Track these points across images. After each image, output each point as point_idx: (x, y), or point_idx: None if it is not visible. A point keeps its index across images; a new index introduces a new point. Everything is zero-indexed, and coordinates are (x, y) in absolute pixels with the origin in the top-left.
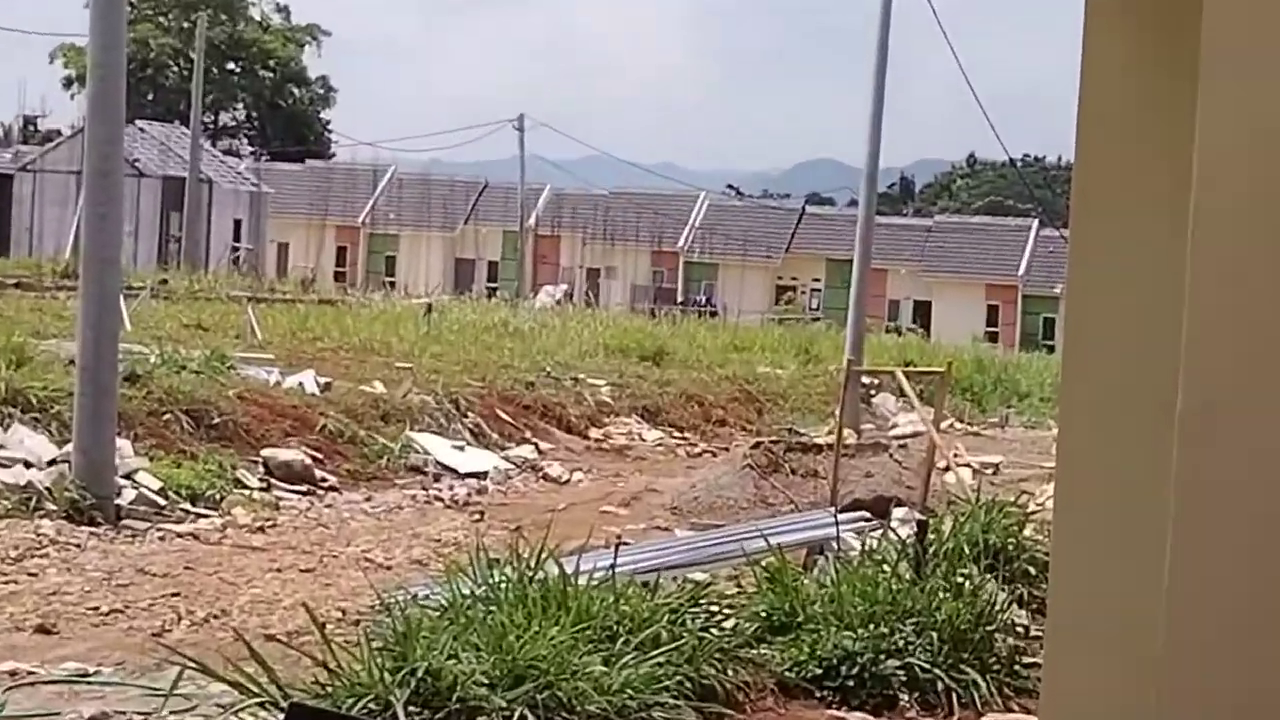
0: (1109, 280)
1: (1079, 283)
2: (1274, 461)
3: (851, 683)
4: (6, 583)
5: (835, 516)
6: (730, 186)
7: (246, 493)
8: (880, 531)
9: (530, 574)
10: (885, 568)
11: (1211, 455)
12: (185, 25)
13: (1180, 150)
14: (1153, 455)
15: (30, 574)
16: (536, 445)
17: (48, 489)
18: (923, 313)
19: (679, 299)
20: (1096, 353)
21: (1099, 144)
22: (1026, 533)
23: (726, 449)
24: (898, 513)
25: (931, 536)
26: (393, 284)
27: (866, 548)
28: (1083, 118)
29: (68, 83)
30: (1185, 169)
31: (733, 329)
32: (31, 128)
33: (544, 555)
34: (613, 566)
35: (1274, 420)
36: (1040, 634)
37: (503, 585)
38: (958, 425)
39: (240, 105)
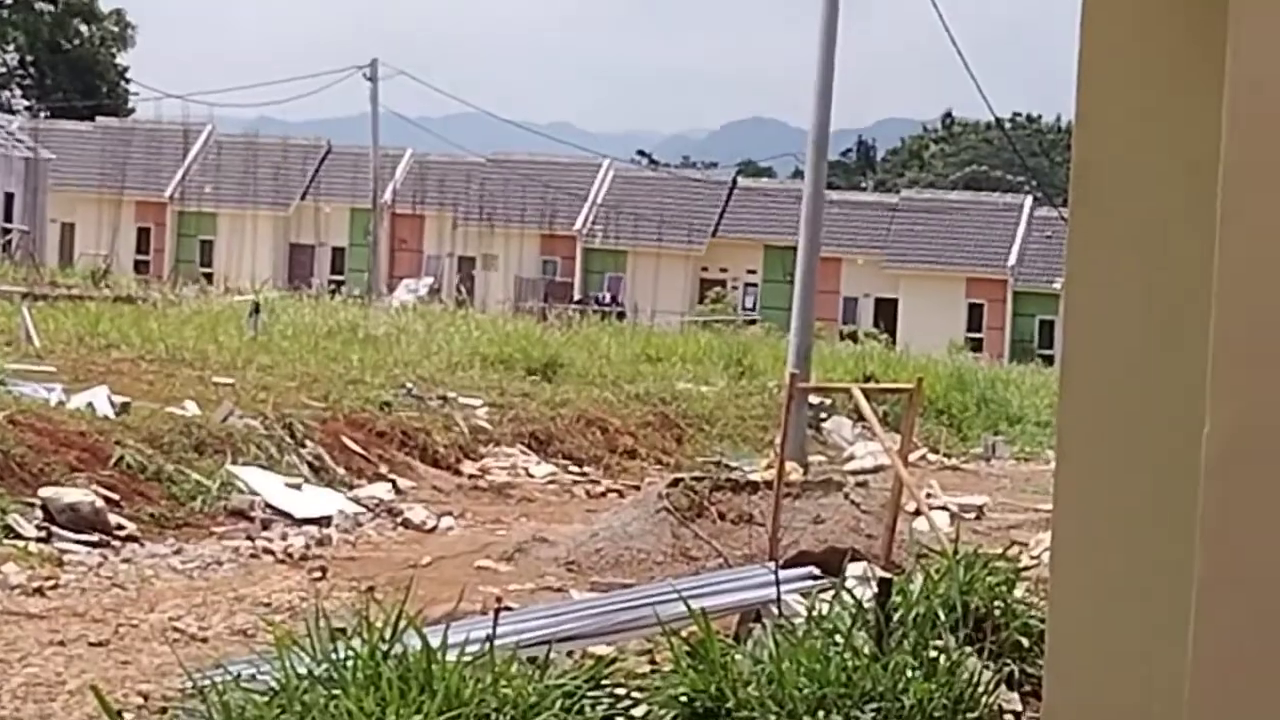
0: (1117, 276)
1: (1080, 279)
2: None
3: None
4: None
5: (775, 574)
6: (641, 153)
7: (20, 544)
8: (832, 593)
9: (385, 648)
10: (838, 639)
11: (1247, 491)
12: None
13: (1205, 110)
14: (1173, 496)
15: None
16: (394, 483)
17: None
18: (887, 314)
19: (576, 296)
20: (1103, 366)
21: (1104, 102)
22: (1017, 594)
23: (637, 487)
24: (854, 568)
25: (897, 599)
26: (210, 276)
27: (815, 613)
28: (1084, 70)
29: None
30: (1213, 132)
31: (645, 334)
32: None
33: (403, 624)
34: (491, 638)
35: None
36: None
37: (349, 662)
38: (931, 457)
39: (11, 47)
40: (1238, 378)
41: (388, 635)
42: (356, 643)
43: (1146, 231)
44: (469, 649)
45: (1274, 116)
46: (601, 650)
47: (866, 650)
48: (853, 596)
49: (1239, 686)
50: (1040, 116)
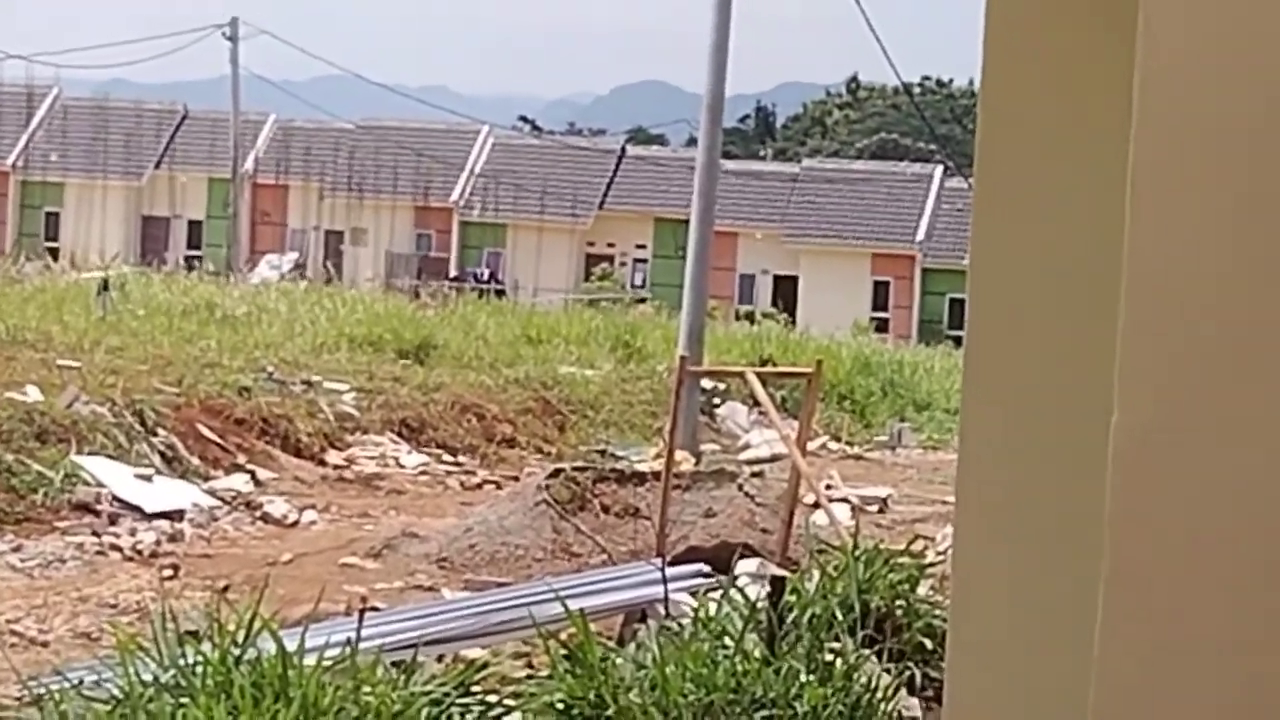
0: (1024, 254)
1: (985, 257)
2: (1241, 496)
3: None
4: None
5: (662, 571)
6: (523, 119)
7: None
8: (722, 592)
9: (238, 652)
10: (727, 641)
11: (1153, 483)
12: None
13: (1118, 78)
14: (1082, 487)
15: None
16: (253, 474)
17: None
18: (786, 292)
19: (452, 272)
20: (1009, 350)
21: (1011, 69)
22: (921, 592)
23: (516, 478)
24: (747, 565)
25: (791, 598)
26: (55, 251)
27: (703, 614)
28: (990, 35)
29: None
30: (1128, 101)
31: (526, 314)
32: None
33: (258, 626)
34: (354, 641)
35: (1239, 441)
36: None
37: (199, 668)
38: (832, 445)
39: None
40: (1146, 365)
41: (241, 639)
42: (207, 647)
43: (1056, 206)
44: (329, 653)
45: (1185, 87)
46: (474, 654)
47: (758, 653)
48: (744, 596)
49: (1145, 686)
50: (952, 81)
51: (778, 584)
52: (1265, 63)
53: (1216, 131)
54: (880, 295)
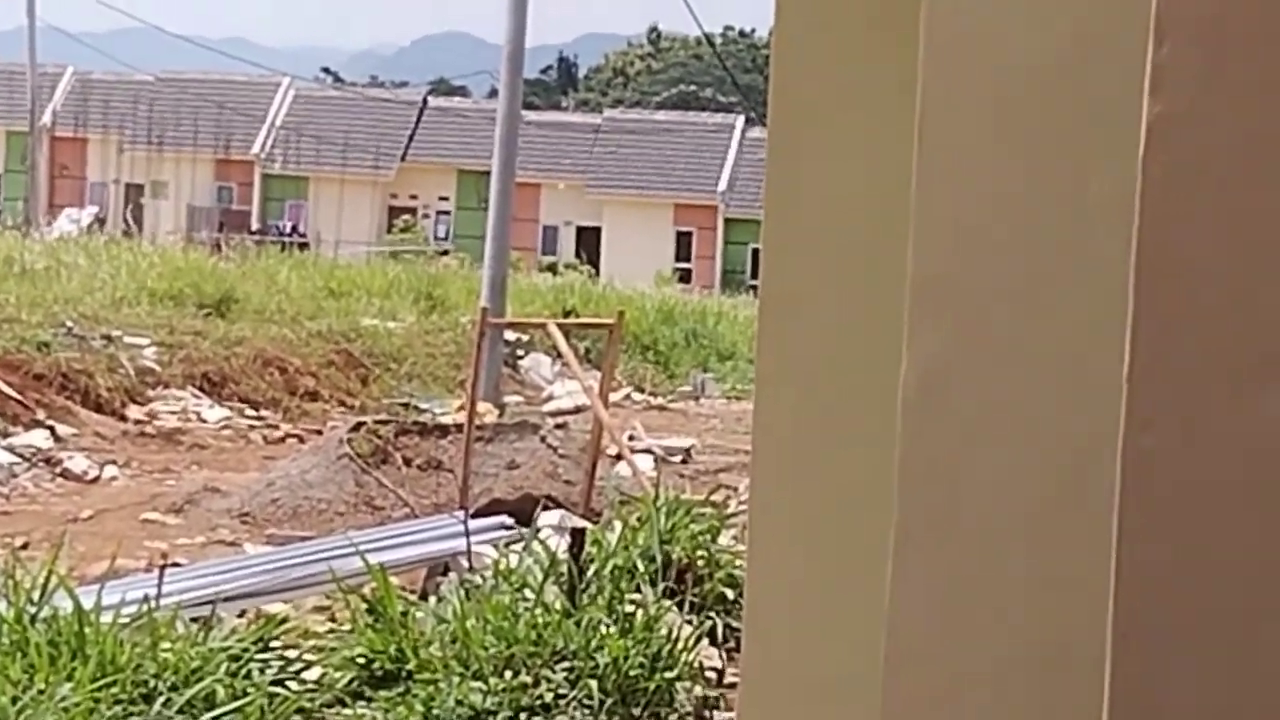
0: (817, 200)
1: (778, 205)
2: (1030, 433)
3: None
4: None
5: (465, 524)
6: (326, 70)
7: None
8: (524, 544)
9: (34, 611)
10: (528, 593)
11: (940, 431)
12: None
13: (913, 23)
14: (876, 437)
15: None
16: (52, 430)
17: None
18: (589, 243)
19: (254, 226)
20: (801, 298)
21: (804, 12)
22: (722, 542)
23: (319, 432)
24: (549, 517)
25: (592, 550)
26: None
27: (504, 566)
28: None
29: None
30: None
31: (329, 267)
32: None
33: (54, 584)
34: (153, 598)
35: (1026, 380)
36: (737, 679)
37: None
38: (636, 396)
39: None
40: (932, 310)
41: (37, 596)
42: (2, 605)
43: (849, 153)
44: (127, 610)
45: (970, 26)
46: (275, 609)
47: (559, 605)
48: (545, 548)
49: (937, 633)
50: (754, 31)
51: (578, 535)
52: (1046, 4)
53: (1001, 70)
54: (683, 246)
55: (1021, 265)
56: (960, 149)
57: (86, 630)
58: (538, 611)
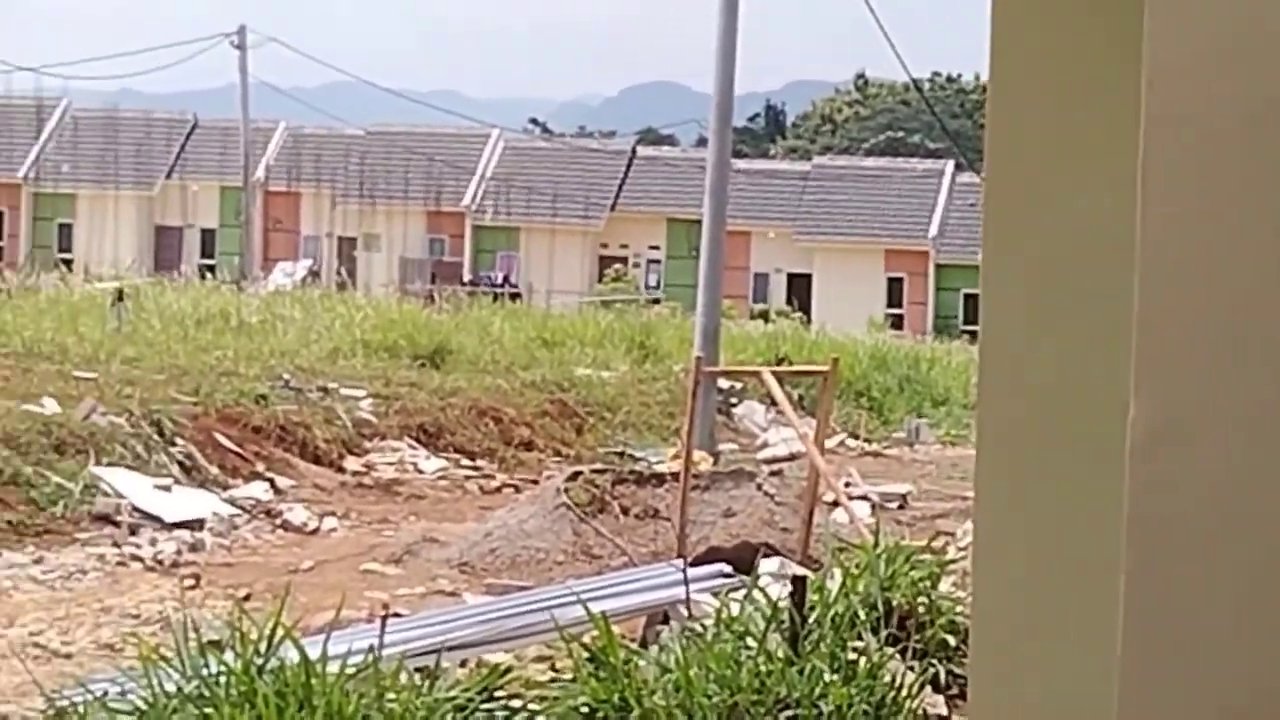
0: (1038, 248)
1: (998, 252)
2: (1260, 490)
3: None
4: None
5: (684, 572)
6: (534, 121)
7: None
8: (744, 592)
9: (260, 661)
10: (750, 642)
11: (1171, 479)
12: None
13: (1130, 71)
14: (1102, 483)
15: None
16: (272, 482)
17: None
18: (800, 290)
19: (466, 276)
20: (1024, 345)
21: (1019, 63)
22: (943, 589)
23: (534, 482)
24: (768, 565)
25: (813, 597)
26: (69, 262)
27: (725, 614)
28: (996, 28)
29: None
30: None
31: (541, 317)
32: None
33: (280, 635)
34: (376, 648)
35: (1257, 435)
36: None
37: (222, 678)
38: (850, 443)
39: None
40: (1161, 359)
41: (263, 648)
42: (230, 656)
43: (1069, 201)
44: (352, 660)
45: (1192, 81)
46: (497, 658)
47: (781, 653)
48: (766, 596)
49: (1168, 683)
50: (960, 76)
51: (799, 583)
52: (1269, 57)
53: (1224, 125)
54: (894, 291)
55: (1247, 318)
56: (1184, 201)
57: (313, 681)
58: (760, 659)
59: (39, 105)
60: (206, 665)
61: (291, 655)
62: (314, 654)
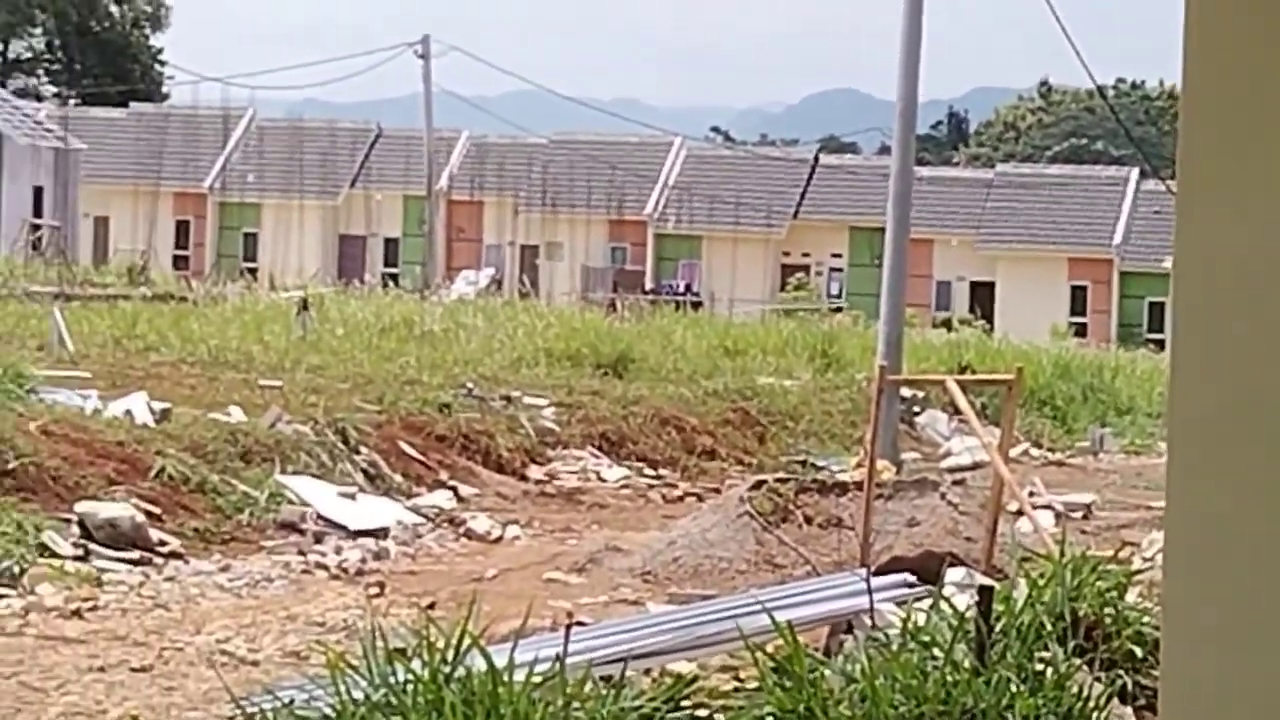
0: (1231, 255)
1: (1190, 260)
2: None
3: None
4: None
5: (868, 581)
6: (715, 130)
7: (56, 563)
8: (929, 601)
9: (447, 670)
10: (937, 651)
11: None
12: None
13: None
14: None
15: None
16: (455, 490)
17: None
18: (983, 298)
19: (648, 285)
20: (1218, 352)
21: (1213, 69)
22: (1129, 599)
23: (717, 490)
24: (953, 574)
25: (1000, 608)
26: (254, 271)
27: (911, 624)
28: (1190, 34)
29: None
30: None
31: (723, 325)
32: None
33: (466, 643)
34: (562, 656)
35: None
36: None
37: (409, 686)
38: (1034, 452)
39: (38, 30)
40: None
41: (450, 656)
42: (417, 664)
43: (1263, 207)
44: (538, 669)
45: None
46: (681, 667)
47: (967, 664)
48: (951, 606)
49: None
50: (1145, 82)
51: (985, 593)
52: None
53: None
54: (1078, 300)
55: None
56: None
57: (500, 690)
58: (946, 670)
59: (225, 116)
60: (394, 673)
61: (478, 664)
62: (500, 662)
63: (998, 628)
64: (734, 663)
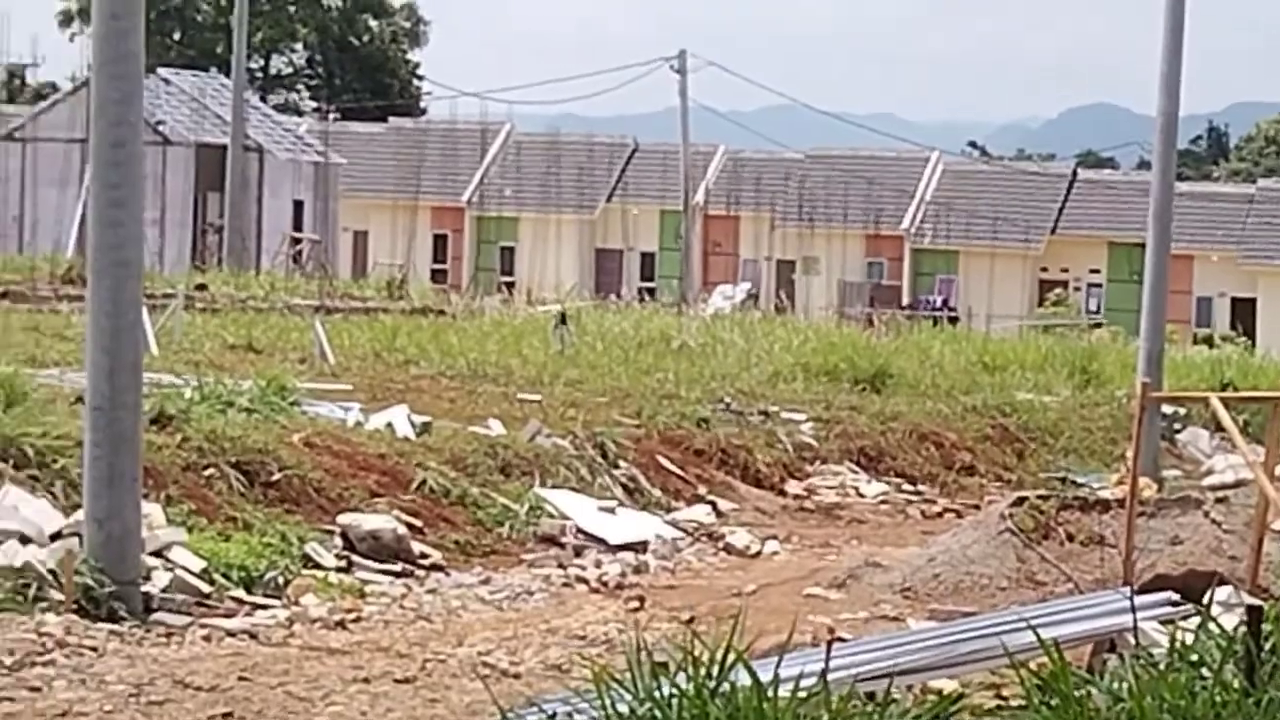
0: None
1: None
2: None
3: None
4: (1, 700)
5: (1131, 600)
6: (972, 144)
7: (320, 574)
8: (1196, 621)
9: (712, 685)
10: (1204, 672)
11: None
12: None
13: None
14: None
15: (32, 688)
16: (714, 505)
17: (51, 572)
18: (1244, 314)
19: (904, 300)
20: None
21: None
22: None
23: (976, 507)
24: (1219, 593)
25: (1269, 628)
26: (511, 285)
27: (1177, 644)
28: None
29: (66, 18)
30: None
31: (981, 340)
32: (18, 81)
33: (730, 658)
34: (824, 672)
35: None
36: None
37: (674, 701)
38: None
39: (299, 46)
40: None
41: (714, 671)
42: (681, 679)
43: None
44: (801, 684)
45: None
46: (944, 684)
47: (1236, 685)
48: (1218, 626)
49: None
50: None
51: (1255, 613)
52: None
53: None
54: None
55: None
56: None
57: (764, 705)
58: (1216, 691)
59: (483, 130)
60: (658, 687)
61: (741, 679)
62: (764, 678)
63: (1267, 647)
64: (996, 680)
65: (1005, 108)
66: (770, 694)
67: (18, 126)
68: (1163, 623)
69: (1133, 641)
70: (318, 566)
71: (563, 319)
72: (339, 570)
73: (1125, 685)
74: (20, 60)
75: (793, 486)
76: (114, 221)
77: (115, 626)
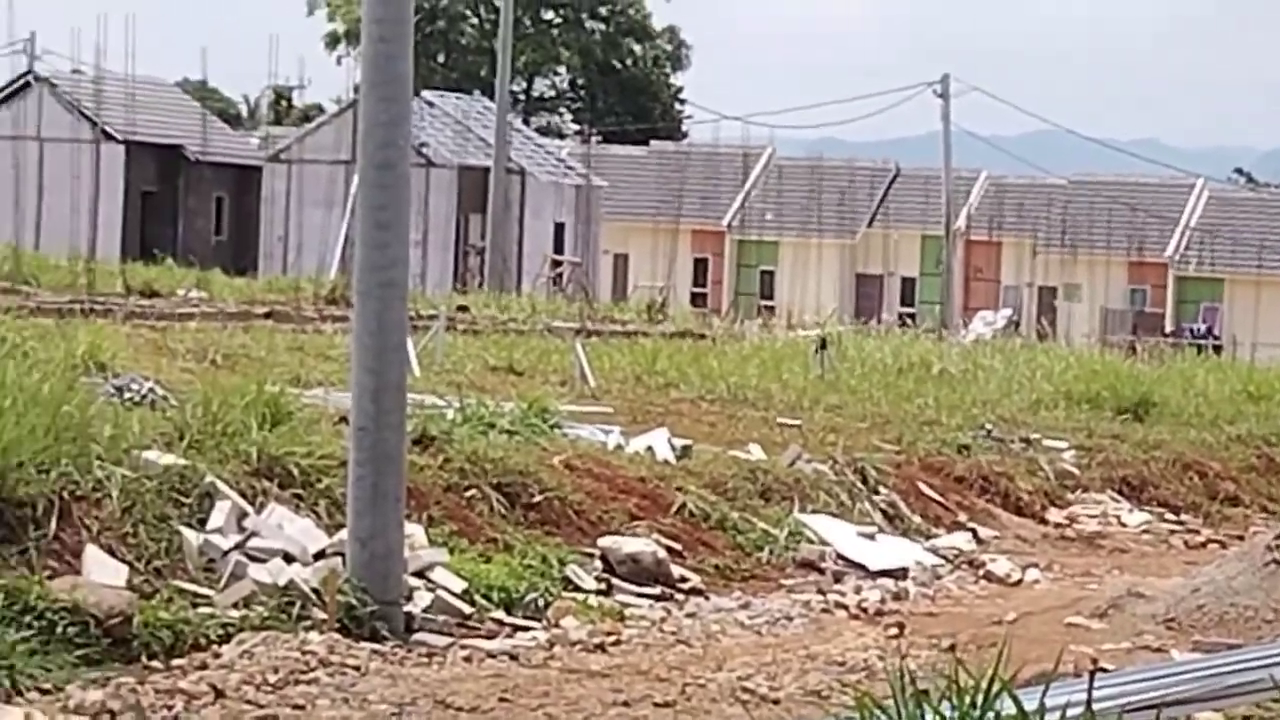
0: None
1: None
2: None
3: None
4: (264, 717)
5: None
6: (1239, 171)
7: (579, 596)
8: None
9: (975, 713)
10: None
11: None
12: None
13: None
14: None
15: (296, 706)
16: (974, 532)
17: (315, 591)
18: None
19: (1168, 328)
20: None
21: None
22: None
23: (1241, 538)
24: None
25: None
26: (771, 309)
27: None
28: None
29: (333, 41)
30: None
31: (1246, 369)
32: (285, 103)
33: (995, 686)
34: (1089, 702)
35: None
36: None
37: None
38: None
39: (562, 69)
40: None
41: (979, 700)
42: (945, 707)
43: None
44: (1068, 714)
45: None
46: (1209, 717)
47: None
48: None
49: None
50: None
51: None
52: None
53: None
54: None
55: None
56: None
57: None
58: None
59: (745, 154)
60: (921, 716)
61: (1006, 707)
62: (1028, 707)
63: None
64: (1262, 714)
65: (1272, 135)
66: None
67: (284, 148)
68: None
69: None
70: (578, 589)
71: (823, 344)
72: (598, 593)
73: None
74: (287, 82)
75: (1054, 515)
76: (380, 243)
77: (377, 646)
